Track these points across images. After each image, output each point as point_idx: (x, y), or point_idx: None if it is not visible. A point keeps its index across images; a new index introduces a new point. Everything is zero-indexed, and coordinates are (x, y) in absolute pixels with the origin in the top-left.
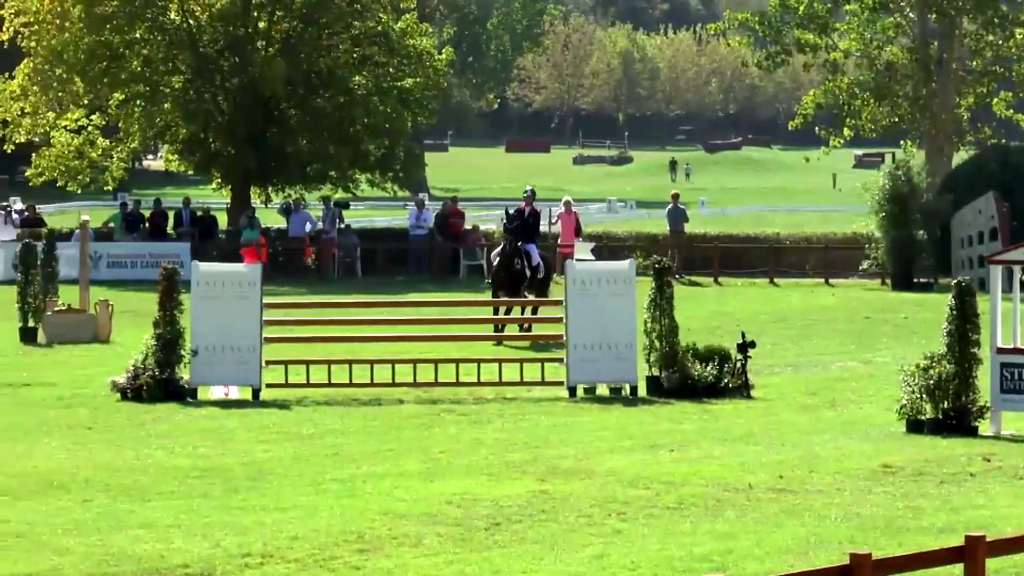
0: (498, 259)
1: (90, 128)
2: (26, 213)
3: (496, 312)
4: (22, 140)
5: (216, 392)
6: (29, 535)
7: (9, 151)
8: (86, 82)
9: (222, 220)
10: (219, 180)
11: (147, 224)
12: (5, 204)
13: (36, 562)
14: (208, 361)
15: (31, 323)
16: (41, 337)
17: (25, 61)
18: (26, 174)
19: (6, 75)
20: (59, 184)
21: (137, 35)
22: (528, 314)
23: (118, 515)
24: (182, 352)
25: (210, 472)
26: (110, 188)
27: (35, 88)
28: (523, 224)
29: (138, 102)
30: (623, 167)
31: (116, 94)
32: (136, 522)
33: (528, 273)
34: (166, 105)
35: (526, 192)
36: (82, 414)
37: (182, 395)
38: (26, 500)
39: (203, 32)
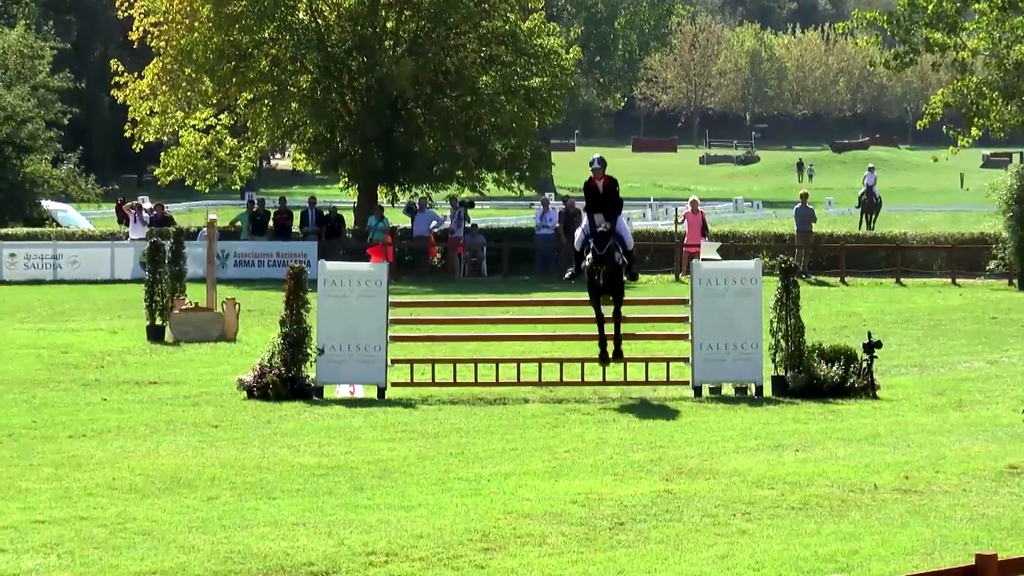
0: (588, 256)
1: (218, 127)
2: (155, 212)
3: (602, 330)
4: (151, 139)
5: (342, 391)
6: (155, 532)
7: (138, 150)
8: (214, 82)
9: (349, 219)
10: (346, 179)
11: (272, 223)
12: (136, 203)
13: (162, 559)
14: (334, 360)
15: (159, 321)
16: (168, 335)
17: (154, 61)
18: (155, 173)
19: (136, 75)
20: (187, 183)
21: (265, 35)
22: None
23: (243, 513)
24: (308, 351)
25: (335, 470)
26: (238, 187)
27: (164, 88)
28: (599, 199)
29: (266, 102)
30: (750, 167)
31: (244, 94)
32: (261, 520)
33: (625, 261)
34: (294, 105)
35: (593, 164)
36: (208, 412)
37: (308, 394)
38: (152, 498)
39: (331, 32)
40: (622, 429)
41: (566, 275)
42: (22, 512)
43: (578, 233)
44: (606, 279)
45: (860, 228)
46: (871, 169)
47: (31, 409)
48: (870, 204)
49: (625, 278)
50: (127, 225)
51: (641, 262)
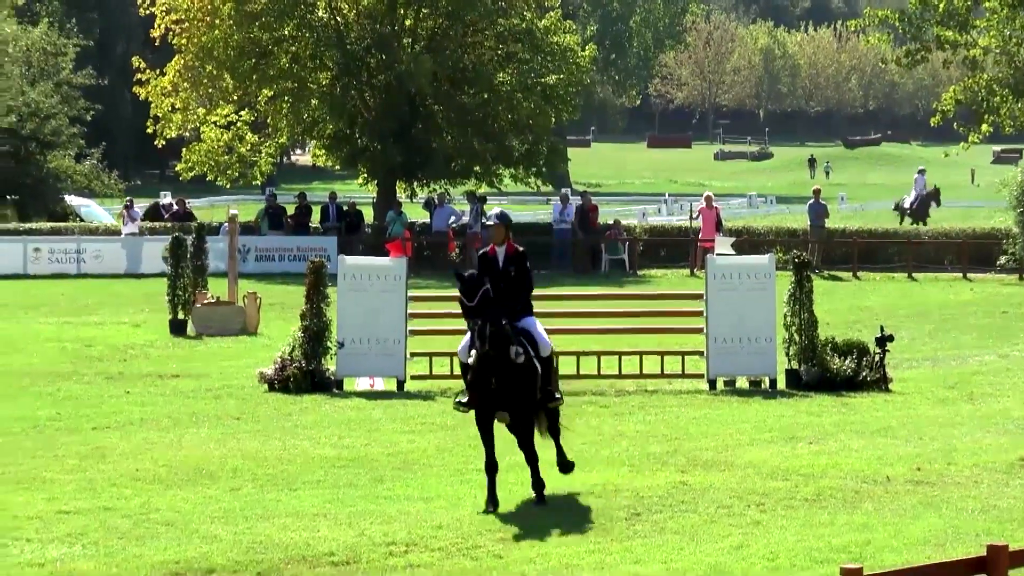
0: (472, 357)
1: (239, 124)
2: (176, 207)
3: (490, 463)
4: (173, 135)
5: (362, 383)
6: (179, 523)
7: (160, 146)
8: (235, 78)
9: (368, 214)
10: (365, 175)
11: (288, 218)
12: (128, 201)
13: (185, 549)
14: (354, 353)
15: (181, 315)
16: (191, 329)
17: (176, 58)
18: (176, 169)
19: (158, 72)
20: (208, 179)
21: (285, 32)
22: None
23: (265, 504)
24: (328, 344)
25: (356, 462)
26: (258, 183)
27: (185, 84)
28: (497, 278)
29: (286, 98)
30: (763, 163)
31: (265, 90)
32: (283, 511)
33: (536, 367)
34: (313, 101)
35: (491, 220)
36: (230, 405)
37: (328, 386)
38: (175, 489)
39: (350, 29)
40: (638, 422)
41: (455, 400)
42: (47, 503)
43: (464, 341)
44: (499, 390)
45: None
46: (921, 172)
47: (55, 401)
48: (921, 212)
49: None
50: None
51: (656, 257)
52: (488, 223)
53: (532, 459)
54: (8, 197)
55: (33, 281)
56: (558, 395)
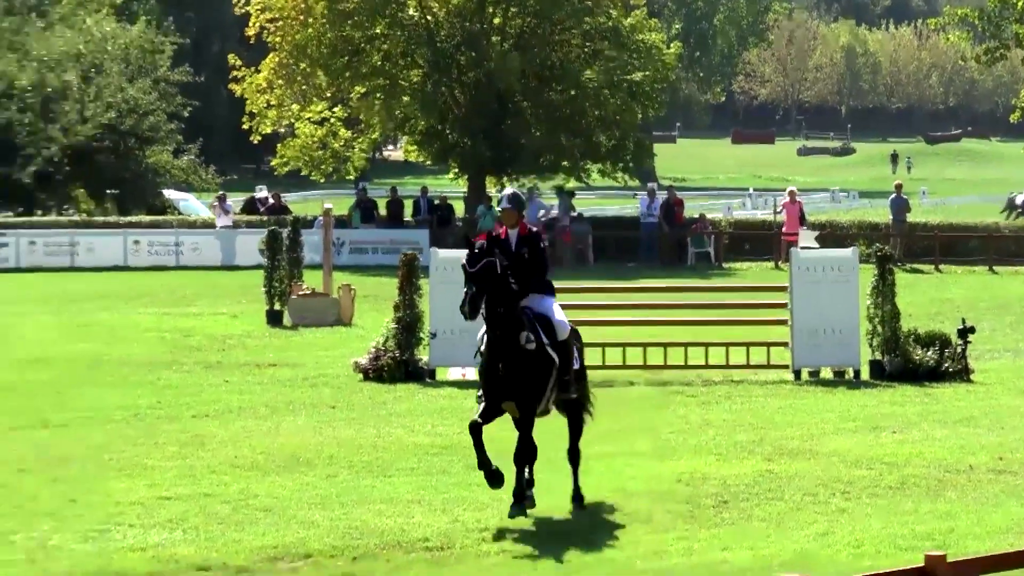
0: (481, 345)
1: (332, 120)
2: (271, 201)
3: (480, 451)
4: (268, 131)
5: (454, 373)
6: (276, 509)
7: (256, 142)
8: (329, 76)
9: (458, 208)
10: (456, 170)
11: (379, 212)
12: (220, 194)
13: (283, 535)
14: (446, 343)
15: (277, 306)
16: (287, 320)
17: (271, 56)
18: (272, 164)
19: (253, 69)
20: (303, 173)
21: (377, 31)
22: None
23: (361, 490)
24: (421, 335)
25: (449, 449)
26: (352, 177)
27: (280, 81)
28: (490, 266)
29: (378, 95)
30: (846, 158)
31: (357, 87)
32: (378, 497)
33: (553, 357)
34: (405, 98)
35: (502, 203)
36: (326, 393)
37: (421, 376)
38: (274, 475)
39: (440, 28)
40: (725, 411)
41: (477, 395)
42: (148, 489)
43: (482, 329)
44: (507, 378)
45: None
46: None
47: (156, 390)
48: None
49: (549, 391)
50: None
51: (740, 250)
52: (503, 205)
53: (525, 456)
54: (109, 191)
55: (133, 273)
56: (574, 391)
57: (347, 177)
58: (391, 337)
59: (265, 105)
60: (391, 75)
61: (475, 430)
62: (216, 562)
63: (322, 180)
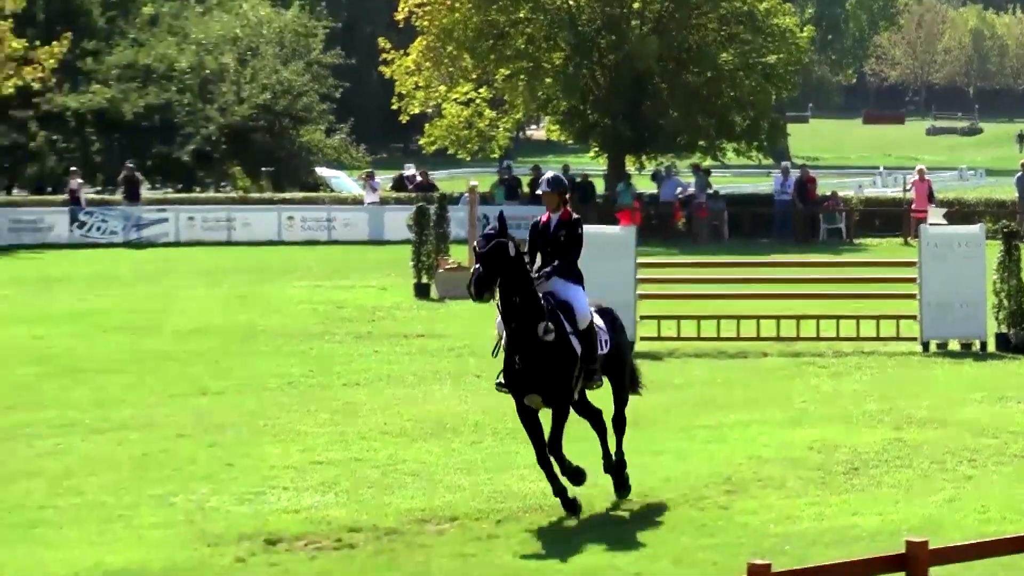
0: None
1: (478, 101)
2: (419, 178)
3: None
4: (416, 111)
5: None
6: (424, 473)
7: (404, 121)
8: (474, 58)
9: (599, 186)
10: (596, 149)
11: (522, 189)
12: (368, 171)
13: (430, 498)
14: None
15: (424, 279)
16: (434, 292)
17: (419, 39)
18: (420, 143)
19: (402, 52)
20: (449, 152)
21: (520, 15)
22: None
23: (505, 456)
24: None
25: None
26: (496, 156)
27: (428, 64)
28: (544, 243)
29: (522, 77)
30: (973, 138)
31: (502, 69)
32: (521, 463)
33: (575, 348)
34: (548, 80)
35: (543, 186)
36: (471, 363)
37: None
38: (421, 442)
39: (581, 12)
40: (855, 381)
41: (496, 381)
42: (301, 454)
43: (498, 322)
44: (525, 371)
45: None
46: None
47: (308, 360)
48: None
49: (576, 379)
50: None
51: (871, 226)
52: (543, 188)
53: (554, 453)
54: (264, 169)
55: (287, 247)
56: (598, 378)
57: (491, 156)
58: None
59: (413, 86)
60: (534, 58)
61: (543, 463)
62: (366, 524)
63: (467, 158)
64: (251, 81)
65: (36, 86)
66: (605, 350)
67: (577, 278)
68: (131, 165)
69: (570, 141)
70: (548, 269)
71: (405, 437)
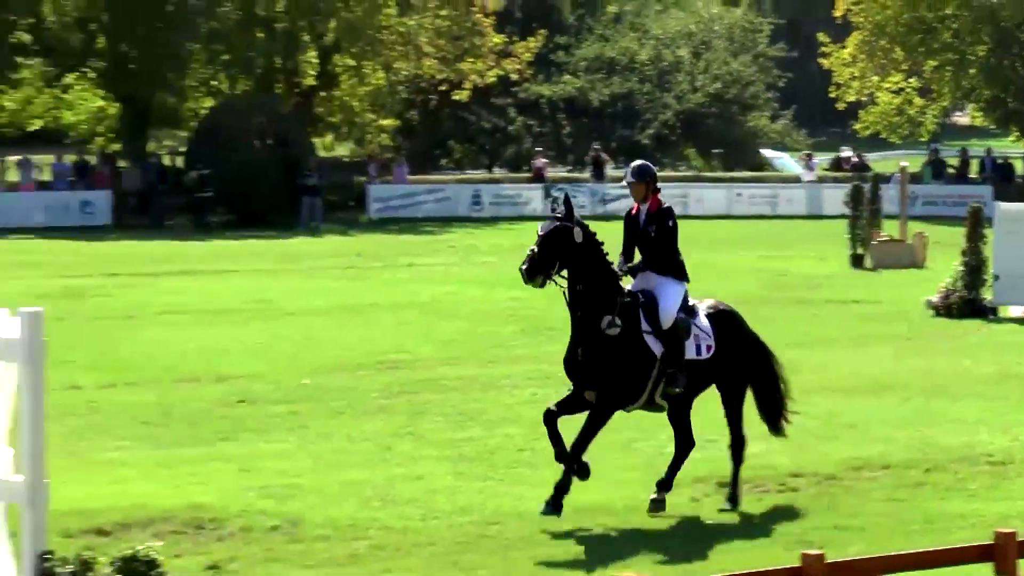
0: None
1: (908, 89)
2: (854, 159)
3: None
4: (851, 99)
5: (1015, 311)
6: (859, 426)
7: (841, 108)
8: (905, 51)
9: (1018, 167)
10: (1017, 134)
11: (948, 169)
12: (806, 153)
13: (865, 448)
14: (1008, 285)
15: (859, 251)
16: (867, 262)
17: (855, 34)
18: (854, 127)
19: (839, 46)
20: (881, 136)
21: (947, 11)
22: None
23: (931, 412)
24: (985, 277)
25: (1009, 378)
26: (924, 139)
27: (862, 56)
28: (634, 238)
29: (948, 68)
30: None
31: (930, 61)
32: (946, 418)
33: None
34: (972, 71)
35: (627, 176)
36: (901, 327)
37: (985, 312)
38: (856, 398)
39: (1003, 8)
40: None
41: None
42: (749, 407)
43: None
44: (585, 364)
45: None
46: None
47: (755, 321)
48: None
49: (650, 383)
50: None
51: None
52: (628, 179)
53: (573, 455)
54: (715, 151)
55: (736, 221)
56: (681, 382)
57: (920, 139)
58: (959, 279)
59: (849, 77)
60: (959, 50)
61: (547, 419)
62: (807, 470)
63: (898, 141)
64: (704, 72)
65: (514, 76)
66: (704, 356)
67: (675, 273)
68: (597, 147)
69: (992, 126)
70: (634, 265)
71: (840, 393)
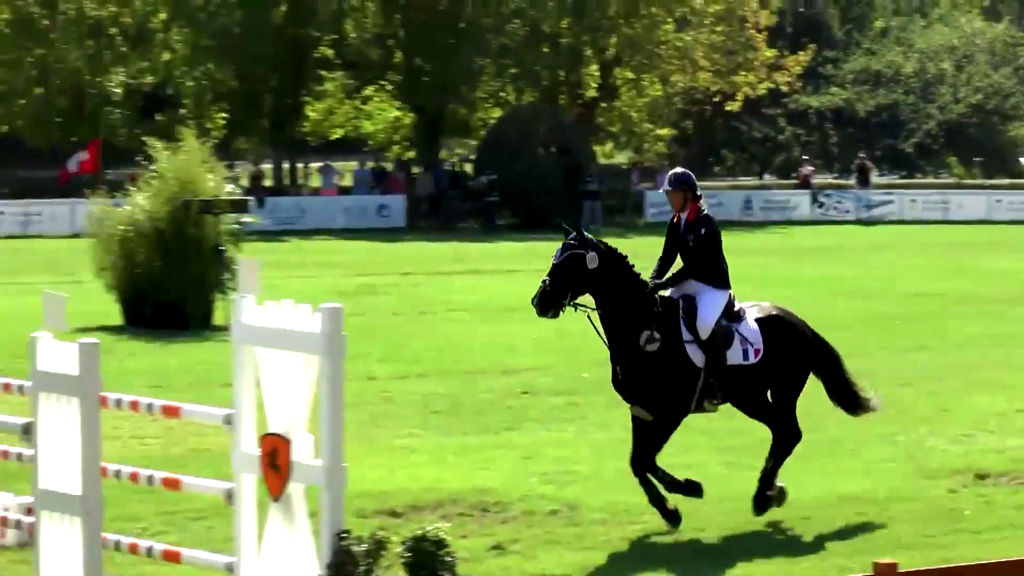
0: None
1: None
2: None
3: (639, 458)
4: None
5: None
6: None
7: None
8: None
9: None
10: None
11: None
12: None
13: None
14: None
15: None
16: None
17: None
18: None
19: None
20: None
21: None
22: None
23: None
24: None
25: None
26: None
27: None
28: (675, 247)
29: None
30: None
31: None
32: None
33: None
34: None
35: (664, 184)
36: None
37: None
38: None
39: None
40: None
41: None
42: (1007, 402)
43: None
44: (625, 381)
45: None
46: None
47: (1013, 323)
48: None
49: (696, 394)
50: None
51: None
52: (665, 187)
53: (646, 467)
54: (975, 159)
55: (995, 226)
56: (719, 395)
57: None
58: None
59: None
60: None
61: (637, 472)
62: None
63: None
64: (966, 84)
65: (785, 88)
66: (750, 361)
67: (715, 281)
68: (863, 155)
69: None
70: (661, 282)
71: None
